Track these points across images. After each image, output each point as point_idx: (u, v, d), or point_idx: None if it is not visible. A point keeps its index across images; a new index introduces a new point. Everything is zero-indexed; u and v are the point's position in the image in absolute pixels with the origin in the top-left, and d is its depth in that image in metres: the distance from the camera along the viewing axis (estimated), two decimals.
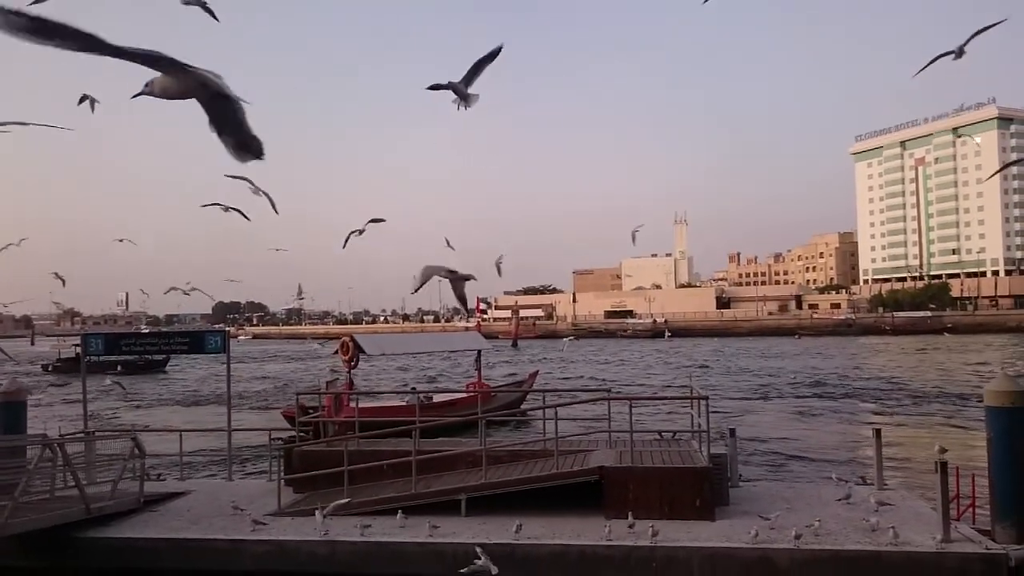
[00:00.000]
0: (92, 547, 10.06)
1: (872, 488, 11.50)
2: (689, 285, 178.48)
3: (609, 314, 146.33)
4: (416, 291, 10.22)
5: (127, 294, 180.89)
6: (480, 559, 8.50)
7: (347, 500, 10.59)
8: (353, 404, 14.66)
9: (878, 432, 12.05)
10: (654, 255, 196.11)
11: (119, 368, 53.41)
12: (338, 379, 20.82)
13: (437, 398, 23.73)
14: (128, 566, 9.91)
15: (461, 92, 7.38)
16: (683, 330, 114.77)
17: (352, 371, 19.59)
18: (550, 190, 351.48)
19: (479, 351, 24.26)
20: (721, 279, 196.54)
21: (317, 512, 10.03)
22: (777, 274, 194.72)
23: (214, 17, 8.77)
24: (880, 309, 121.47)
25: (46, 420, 19.08)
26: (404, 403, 20.96)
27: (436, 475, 11.69)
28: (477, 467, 11.23)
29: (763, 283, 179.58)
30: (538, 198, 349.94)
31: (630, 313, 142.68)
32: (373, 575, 9.41)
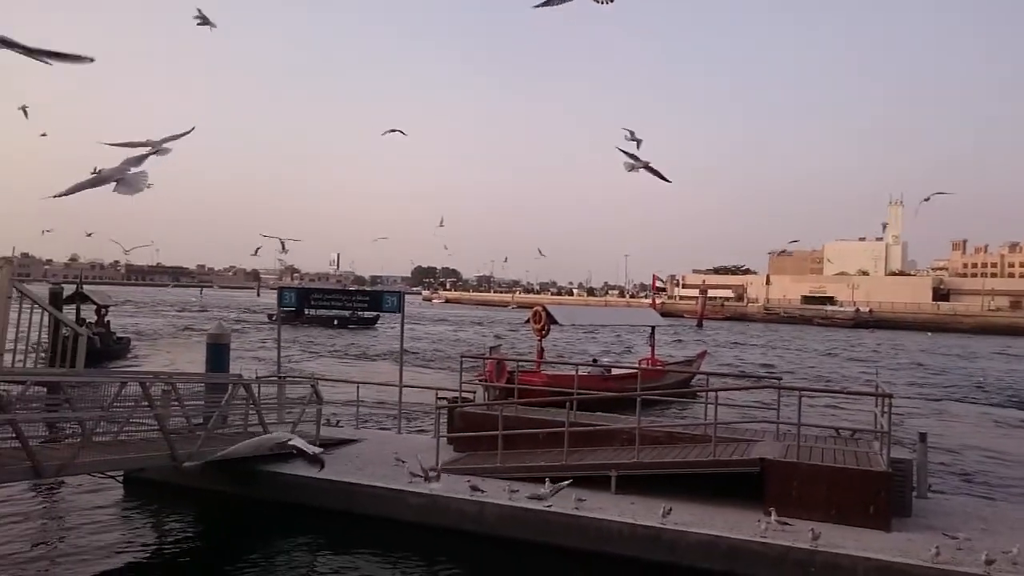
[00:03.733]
0: (272, 481, 11.07)
1: None
2: (901, 273, 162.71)
3: (806, 299, 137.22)
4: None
5: (338, 255, 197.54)
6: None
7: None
8: (512, 369, 14.98)
9: None
10: (862, 239, 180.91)
11: (335, 323, 58.58)
12: (500, 345, 21.39)
13: (617, 371, 23.82)
14: (300, 502, 10.80)
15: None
16: (890, 321, 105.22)
17: (542, 339, 20.35)
18: (747, 167, 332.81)
19: (653, 327, 23.92)
20: (941, 268, 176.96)
21: None
22: (1011, 266, 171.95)
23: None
24: None
25: (244, 362, 21.18)
26: (574, 373, 21.22)
27: (591, 449, 11.57)
28: (632, 445, 10.96)
29: (993, 275, 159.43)
30: (732, 174, 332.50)
31: (830, 300, 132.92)
32: (516, 539, 9.50)
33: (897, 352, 57.45)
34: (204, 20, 11.25)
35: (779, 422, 11.40)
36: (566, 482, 9.58)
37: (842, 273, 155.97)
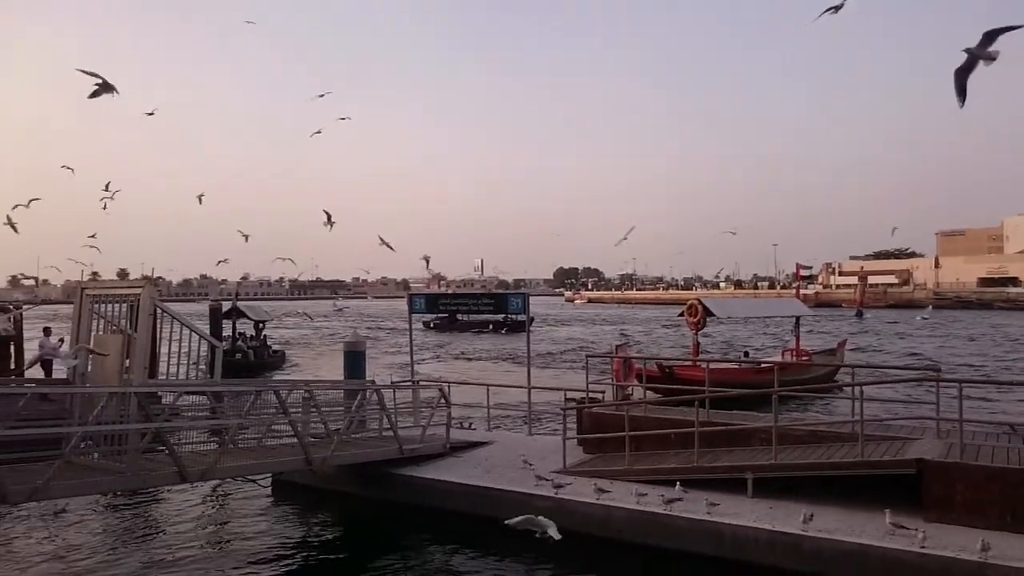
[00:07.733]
0: (403, 483, 11.31)
1: None
2: None
3: (984, 281, 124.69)
4: None
5: (482, 260, 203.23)
6: None
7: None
8: (640, 367, 14.55)
9: None
10: None
11: (489, 327, 60.07)
12: (627, 343, 20.95)
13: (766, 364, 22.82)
14: (430, 504, 10.95)
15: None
16: None
17: (697, 332, 19.98)
18: (906, 138, 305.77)
19: (797, 318, 22.54)
20: None
21: None
22: None
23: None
24: None
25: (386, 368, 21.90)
26: (734, 367, 20.66)
27: (726, 450, 10.94)
28: (770, 445, 10.23)
29: None
30: (888, 149, 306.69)
31: (1013, 281, 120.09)
32: (644, 544, 9.12)
33: None
34: (103, 88, 10.58)
35: (939, 418, 10.22)
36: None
37: None
